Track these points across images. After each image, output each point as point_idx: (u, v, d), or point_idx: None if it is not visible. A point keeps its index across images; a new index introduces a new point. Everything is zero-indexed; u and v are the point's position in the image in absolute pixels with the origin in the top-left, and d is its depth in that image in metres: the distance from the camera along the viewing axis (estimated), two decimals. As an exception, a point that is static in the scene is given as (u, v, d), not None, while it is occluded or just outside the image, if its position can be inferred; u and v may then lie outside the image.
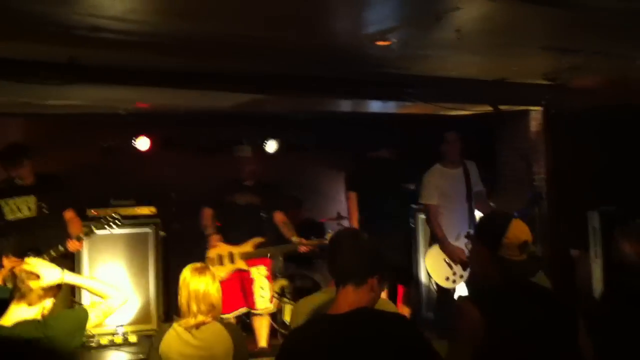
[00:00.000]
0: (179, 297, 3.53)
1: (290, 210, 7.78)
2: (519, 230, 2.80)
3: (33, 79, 4.34)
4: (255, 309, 6.00)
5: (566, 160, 6.48)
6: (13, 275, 3.04)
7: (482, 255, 2.86)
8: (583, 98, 6.13)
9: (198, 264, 3.65)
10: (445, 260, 5.73)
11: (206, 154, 7.50)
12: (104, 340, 6.41)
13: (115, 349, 6.30)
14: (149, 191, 7.20)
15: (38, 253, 4.90)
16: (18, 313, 2.99)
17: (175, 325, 3.48)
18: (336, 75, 5.33)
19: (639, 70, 5.13)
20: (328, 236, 6.21)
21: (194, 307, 3.44)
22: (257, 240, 5.98)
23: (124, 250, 6.81)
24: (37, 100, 5.50)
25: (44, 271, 3.13)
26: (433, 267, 5.82)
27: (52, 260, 4.80)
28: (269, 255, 6.76)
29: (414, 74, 5.41)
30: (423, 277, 7.15)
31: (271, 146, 8.00)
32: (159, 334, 3.52)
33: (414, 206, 7.06)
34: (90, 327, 3.21)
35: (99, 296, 3.30)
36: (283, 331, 6.70)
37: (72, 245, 5.15)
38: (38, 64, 4.29)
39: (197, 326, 3.43)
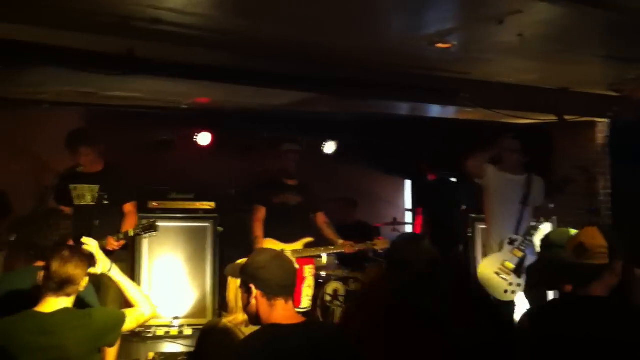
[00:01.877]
0: (227, 292, 3.51)
1: (343, 210, 7.81)
2: (582, 234, 2.81)
3: (93, 69, 4.41)
4: (298, 307, 6.01)
5: (632, 175, 6.23)
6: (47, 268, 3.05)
7: None
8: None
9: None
10: (497, 273, 5.57)
11: (261, 152, 7.53)
12: (160, 332, 6.52)
13: (171, 341, 6.38)
14: (209, 185, 7.29)
15: None
16: (55, 303, 3.02)
17: (224, 320, 3.47)
18: (394, 78, 5.26)
19: None
20: (375, 241, 6.20)
21: (240, 303, 3.43)
22: (308, 239, 6.00)
23: (182, 243, 6.93)
24: (98, 91, 5.60)
25: (100, 256, 3.20)
26: (488, 283, 5.67)
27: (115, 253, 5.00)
28: (324, 256, 6.82)
29: (473, 79, 5.30)
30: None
31: (330, 147, 7.97)
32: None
33: (472, 215, 6.98)
34: (124, 330, 3.26)
35: (130, 300, 3.36)
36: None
37: (110, 244, 5.13)
38: (98, 55, 4.36)
39: (247, 323, 3.40)
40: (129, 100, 6.06)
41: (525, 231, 5.31)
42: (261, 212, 6.02)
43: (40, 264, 3.16)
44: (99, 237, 5.09)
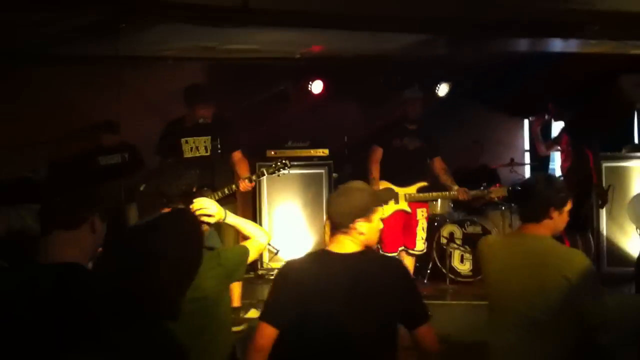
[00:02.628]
0: None
1: (469, 153, 7.72)
2: None
3: (212, 22, 4.53)
4: (413, 249, 6.13)
5: None
6: None
7: None
8: None
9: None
10: None
11: (377, 98, 7.50)
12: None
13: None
14: (322, 133, 7.41)
15: (213, 190, 5.25)
16: None
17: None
18: (514, 14, 5.05)
19: None
20: (491, 189, 6.10)
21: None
22: (421, 183, 6.03)
23: (299, 189, 7.19)
24: (217, 45, 5.76)
25: (214, 209, 3.36)
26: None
27: (225, 196, 5.25)
28: (438, 201, 6.81)
29: (597, 9, 4.99)
30: (605, 229, 6.76)
31: (443, 90, 7.83)
32: None
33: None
34: (249, 261, 3.42)
35: (248, 235, 3.51)
36: (452, 276, 6.72)
37: (243, 185, 5.43)
38: (213, 8, 4.45)
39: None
40: (246, 52, 6.19)
41: None
42: (378, 153, 6.08)
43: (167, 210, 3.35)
44: (220, 184, 5.39)
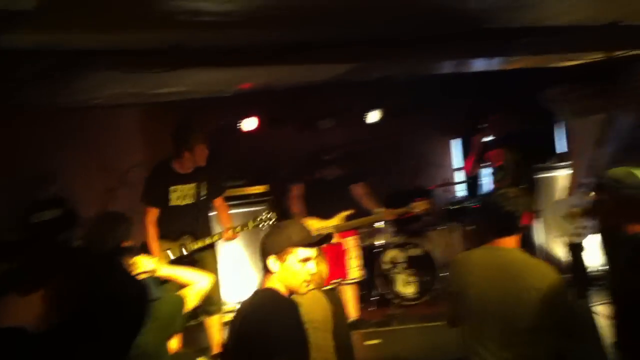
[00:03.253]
0: None
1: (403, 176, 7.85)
2: None
3: (141, 68, 4.47)
4: (347, 279, 6.05)
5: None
6: None
7: None
8: None
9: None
10: (565, 216, 5.51)
11: (308, 128, 7.53)
12: (226, 318, 6.59)
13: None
14: (260, 169, 7.36)
15: (195, 238, 5.25)
16: None
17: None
18: (437, 34, 5.18)
19: None
20: (412, 205, 6.21)
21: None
22: (347, 212, 6.03)
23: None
24: (146, 90, 5.67)
25: (150, 266, 3.28)
26: (557, 226, 5.61)
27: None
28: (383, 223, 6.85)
29: (518, 26, 5.18)
30: (540, 239, 6.96)
31: (374, 115, 7.92)
32: None
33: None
34: (188, 309, 3.36)
35: (186, 284, 3.44)
36: (397, 301, 6.75)
37: (226, 235, 5.35)
38: (144, 52, 4.41)
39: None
40: (178, 94, 6.12)
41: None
42: (296, 190, 6.07)
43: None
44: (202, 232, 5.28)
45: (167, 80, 5.12)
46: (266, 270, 2.84)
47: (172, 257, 5.24)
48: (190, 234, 5.33)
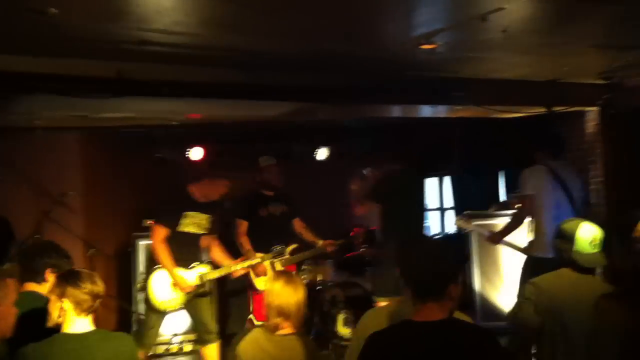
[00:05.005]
0: (265, 302, 3.55)
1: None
2: None
3: (85, 94, 4.43)
4: None
5: (624, 162, 6.25)
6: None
7: None
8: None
9: (284, 273, 3.70)
10: None
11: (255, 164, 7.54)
12: (160, 350, 6.49)
13: (171, 358, 6.38)
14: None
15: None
16: (85, 324, 3.03)
17: (256, 329, 3.55)
18: (383, 81, 5.29)
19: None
20: (353, 234, 6.33)
21: (276, 310, 3.46)
22: (293, 246, 6.05)
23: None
24: (90, 114, 5.61)
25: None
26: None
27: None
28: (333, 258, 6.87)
29: (463, 77, 5.33)
30: (477, 284, 7.05)
31: (322, 154, 8.00)
32: (242, 335, 3.60)
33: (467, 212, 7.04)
34: None
35: None
36: (336, 341, 6.70)
37: (236, 273, 5.45)
38: (88, 79, 4.39)
39: (274, 330, 3.44)
40: (122, 120, 6.07)
41: None
42: (244, 226, 6.09)
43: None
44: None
45: (111, 105, 5.07)
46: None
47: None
48: (199, 262, 5.31)
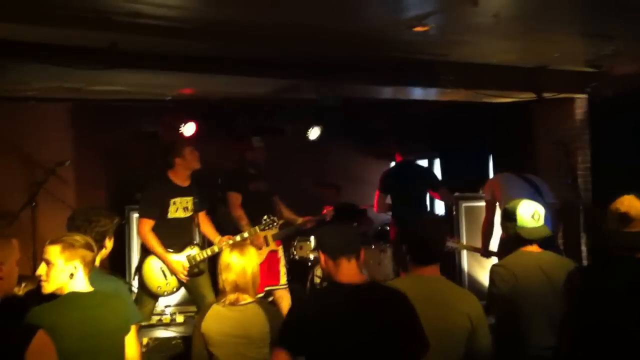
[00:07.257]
0: (219, 276, 3.58)
1: (328, 195, 7.92)
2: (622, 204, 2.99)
3: (77, 64, 4.46)
4: (278, 285, 6.19)
5: (610, 149, 6.34)
6: None
7: None
8: (627, 85, 5.99)
9: (235, 246, 3.71)
10: None
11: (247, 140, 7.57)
12: (152, 320, 6.55)
13: (164, 328, 6.45)
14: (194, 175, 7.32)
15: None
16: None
17: (214, 305, 3.53)
18: (375, 62, 5.33)
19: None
20: (325, 212, 6.55)
21: (232, 285, 3.49)
22: (280, 221, 6.13)
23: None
24: (83, 86, 5.63)
25: None
26: None
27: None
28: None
29: (453, 61, 5.38)
30: (466, 266, 7.17)
31: (314, 133, 8.02)
32: (201, 313, 3.58)
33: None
34: None
35: None
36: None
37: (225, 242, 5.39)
38: (81, 50, 4.40)
39: (234, 303, 3.48)
40: (114, 94, 6.09)
41: None
42: (238, 199, 6.14)
43: None
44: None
45: (104, 78, 5.09)
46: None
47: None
48: (190, 245, 5.37)
